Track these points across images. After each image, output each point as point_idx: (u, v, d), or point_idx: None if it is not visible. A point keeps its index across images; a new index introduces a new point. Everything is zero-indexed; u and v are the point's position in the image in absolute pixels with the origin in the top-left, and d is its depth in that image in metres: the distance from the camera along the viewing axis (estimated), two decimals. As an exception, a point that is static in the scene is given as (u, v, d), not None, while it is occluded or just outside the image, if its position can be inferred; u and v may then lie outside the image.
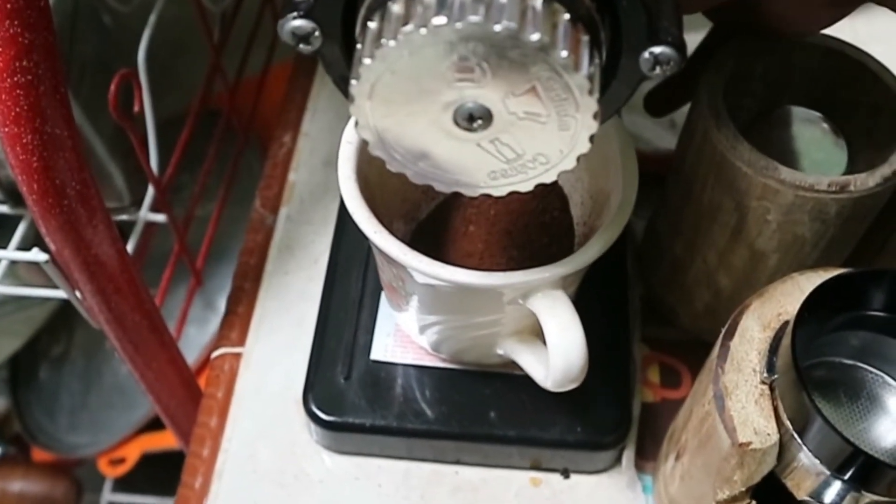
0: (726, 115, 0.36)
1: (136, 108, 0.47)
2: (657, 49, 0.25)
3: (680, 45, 0.25)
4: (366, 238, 0.34)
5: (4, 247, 0.48)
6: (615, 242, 0.40)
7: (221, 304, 0.70)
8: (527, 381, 0.37)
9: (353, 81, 0.24)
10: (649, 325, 0.45)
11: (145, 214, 0.49)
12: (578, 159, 0.25)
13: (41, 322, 0.74)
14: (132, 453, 0.70)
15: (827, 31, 0.49)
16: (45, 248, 0.40)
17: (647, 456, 0.41)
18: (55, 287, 0.45)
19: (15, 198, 0.50)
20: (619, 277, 0.44)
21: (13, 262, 0.50)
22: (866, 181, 0.35)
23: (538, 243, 0.38)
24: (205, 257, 0.57)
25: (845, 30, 0.59)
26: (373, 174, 0.35)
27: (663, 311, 0.45)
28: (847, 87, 0.39)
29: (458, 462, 0.41)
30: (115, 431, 0.71)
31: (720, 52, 0.38)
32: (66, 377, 0.77)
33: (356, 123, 0.25)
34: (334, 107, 0.54)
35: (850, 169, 0.39)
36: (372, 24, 0.23)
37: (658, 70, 0.26)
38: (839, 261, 0.40)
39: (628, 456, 0.41)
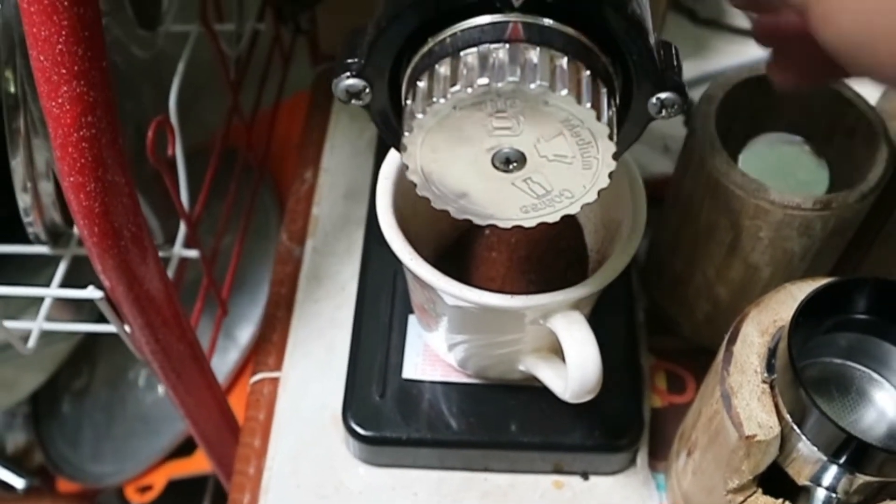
0: (719, 143, 0.40)
1: (170, 152, 0.50)
2: (663, 95, 0.29)
3: (682, 91, 0.29)
4: (401, 265, 0.37)
5: (38, 285, 0.51)
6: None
7: (239, 335, 0.73)
8: (546, 393, 0.41)
9: (406, 133, 0.27)
10: (654, 336, 0.49)
11: (179, 250, 0.53)
12: (599, 193, 0.29)
13: (64, 357, 0.77)
14: (159, 480, 0.73)
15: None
16: (97, 286, 0.44)
17: (658, 456, 0.45)
18: (94, 321, 0.48)
19: (55, 239, 0.54)
20: (625, 294, 0.48)
21: (38, 301, 0.53)
22: (847, 198, 0.39)
23: (555, 268, 0.42)
24: (230, 288, 0.60)
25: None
26: (406, 207, 0.38)
27: (667, 323, 0.49)
28: (825, 112, 0.43)
29: (486, 469, 0.44)
30: (140, 459, 0.74)
31: (710, 87, 0.42)
32: (88, 409, 0.79)
33: (406, 168, 0.29)
34: (350, 143, 0.58)
35: (832, 187, 0.43)
36: (421, 84, 0.27)
37: (664, 112, 0.30)
38: (825, 270, 0.44)
39: (642, 456, 0.44)
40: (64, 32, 0.33)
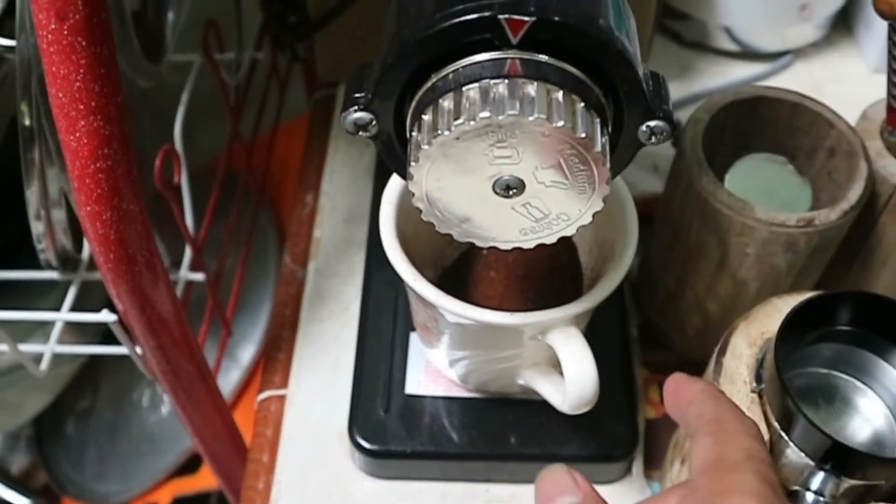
0: (706, 165, 0.42)
1: (176, 180, 0.52)
2: (652, 123, 0.31)
3: (670, 119, 0.31)
4: (404, 285, 0.39)
5: (44, 309, 0.53)
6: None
7: (241, 355, 0.75)
8: (545, 406, 0.43)
9: (413, 163, 0.29)
10: (648, 351, 0.51)
11: (185, 274, 0.54)
12: (594, 216, 0.31)
13: (68, 379, 0.78)
14: (164, 498, 0.74)
15: (787, 82, 0.56)
16: (111, 310, 0.45)
17: (653, 465, 0.47)
18: (99, 343, 0.49)
19: (65, 264, 0.55)
20: (619, 310, 0.50)
21: (44, 324, 0.54)
22: (829, 215, 0.41)
23: (551, 286, 0.44)
24: (233, 309, 0.62)
25: (802, 74, 0.66)
26: (408, 230, 0.40)
27: (659, 338, 0.51)
28: (806, 133, 0.45)
29: (488, 480, 0.46)
30: (145, 478, 0.75)
31: (696, 110, 0.44)
32: (92, 430, 0.81)
33: (412, 195, 0.31)
34: (349, 167, 0.59)
35: (815, 205, 0.45)
36: (426, 117, 0.29)
37: (654, 139, 0.32)
38: (811, 285, 0.46)
39: (637, 466, 0.46)
40: (82, 70, 0.35)
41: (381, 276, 0.50)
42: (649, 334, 0.51)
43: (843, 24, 0.68)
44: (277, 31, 0.68)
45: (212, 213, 0.56)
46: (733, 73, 0.66)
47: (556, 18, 0.28)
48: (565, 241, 0.44)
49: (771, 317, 0.38)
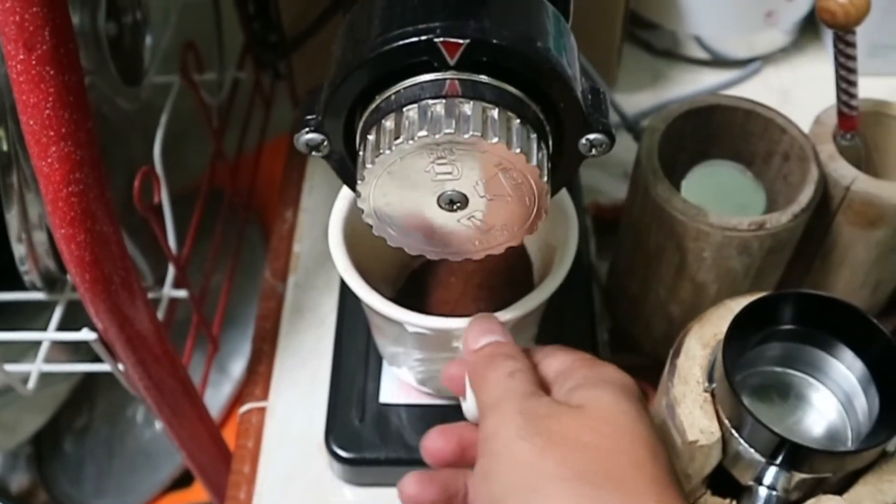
0: (661, 173, 0.43)
1: (156, 200, 0.53)
2: (592, 136, 0.32)
3: (608, 132, 0.32)
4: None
5: (36, 330, 0.54)
6: (582, 283, 0.47)
7: (232, 368, 0.76)
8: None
9: (360, 181, 0.31)
10: (618, 354, 0.52)
11: (168, 291, 0.56)
12: (538, 225, 0.32)
13: (64, 397, 0.79)
14: (159, 512, 0.75)
15: (757, 88, 0.57)
16: (90, 328, 0.47)
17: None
18: (90, 362, 0.51)
19: (50, 285, 0.57)
20: (588, 315, 0.51)
21: (37, 343, 0.56)
22: (780, 218, 0.42)
23: (504, 297, 0.44)
24: (220, 325, 0.63)
25: (772, 79, 0.68)
26: (364, 232, 0.39)
27: (629, 341, 0.52)
28: (761, 139, 0.47)
29: (462, 485, 0.47)
30: (141, 493, 0.77)
31: (653, 120, 0.46)
32: (89, 447, 0.82)
33: (362, 211, 0.32)
34: (328, 183, 0.61)
35: (771, 208, 0.46)
36: (370, 137, 0.30)
37: (594, 151, 0.33)
38: (771, 285, 0.48)
39: (607, 467, 0.47)
40: (51, 99, 0.36)
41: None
42: (620, 338, 0.52)
43: (811, 29, 0.70)
44: (258, 50, 0.69)
45: (195, 232, 0.58)
46: (704, 80, 0.68)
47: (493, 41, 0.30)
48: (521, 256, 0.46)
49: (723, 318, 0.39)
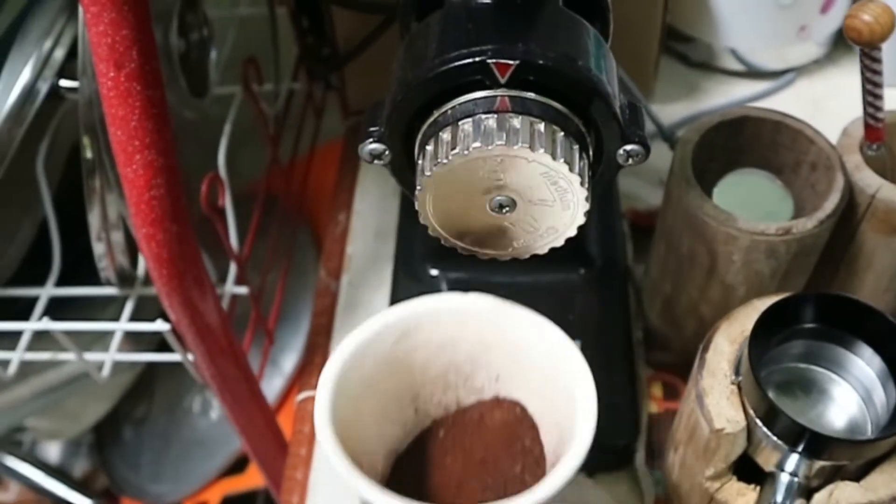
0: (694, 181, 0.46)
1: (220, 203, 0.57)
2: (628, 147, 0.36)
3: (644, 143, 0.36)
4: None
5: (109, 320, 0.59)
6: (619, 285, 0.50)
7: (284, 363, 0.80)
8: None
9: (419, 187, 0.34)
10: (651, 351, 0.55)
11: (231, 288, 0.60)
12: (578, 228, 0.36)
13: (126, 388, 0.84)
14: (214, 497, 0.80)
15: (790, 99, 0.60)
16: (164, 320, 0.51)
17: (655, 455, 0.51)
18: (157, 352, 0.55)
19: (122, 281, 0.61)
20: (624, 316, 0.54)
21: (102, 336, 0.60)
22: (806, 224, 0.45)
23: (511, 472, 0.40)
24: (275, 320, 0.67)
25: (804, 90, 0.70)
26: (349, 414, 0.37)
27: (661, 340, 0.55)
28: (790, 149, 0.49)
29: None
30: (197, 479, 0.81)
31: (686, 131, 0.49)
32: (147, 435, 0.87)
33: (420, 215, 0.36)
34: (379, 187, 0.65)
35: (798, 215, 0.49)
36: (429, 148, 0.34)
37: (631, 161, 0.36)
38: (798, 288, 0.50)
39: (639, 456, 0.50)
40: (137, 112, 0.40)
41: (406, 286, 0.55)
42: (654, 337, 0.55)
43: (843, 42, 0.72)
44: (312, 63, 0.73)
45: (254, 233, 0.62)
46: (739, 92, 0.70)
47: (540, 62, 0.33)
48: (527, 422, 0.41)
49: (750, 317, 0.42)
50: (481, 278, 0.54)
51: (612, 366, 0.51)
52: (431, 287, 0.54)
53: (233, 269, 0.61)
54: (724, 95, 0.70)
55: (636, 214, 0.59)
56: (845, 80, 0.71)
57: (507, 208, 0.35)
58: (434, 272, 0.55)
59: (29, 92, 0.52)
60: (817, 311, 0.40)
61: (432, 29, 0.36)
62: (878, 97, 0.47)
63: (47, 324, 0.53)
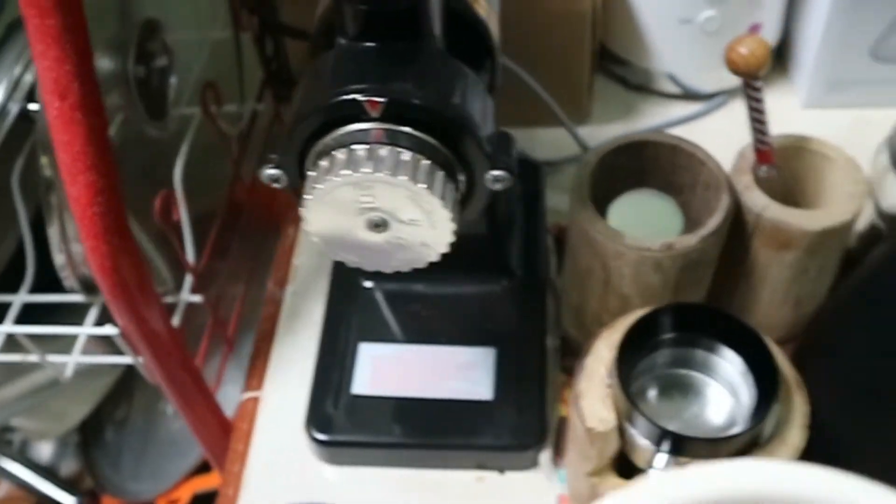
0: (588, 201, 0.50)
1: (175, 218, 0.62)
2: (495, 172, 0.40)
3: (510, 168, 0.40)
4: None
5: (79, 325, 0.63)
6: (538, 296, 0.53)
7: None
8: (469, 403, 0.52)
9: (303, 208, 0.39)
10: (567, 357, 0.59)
11: (186, 296, 0.65)
12: (449, 245, 0.40)
13: (106, 390, 0.89)
14: (185, 494, 0.85)
15: (723, 119, 0.64)
16: (115, 325, 0.56)
17: (562, 455, 0.55)
18: (121, 354, 0.60)
19: (88, 289, 0.66)
20: (539, 324, 0.58)
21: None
22: (690, 240, 0.49)
23: None
24: (235, 328, 0.72)
25: (737, 110, 0.74)
26: None
27: (574, 347, 0.59)
28: (686, 170, 0.53)
29: (423, 466, 0.55)
30: (170, 478, 0.86)
31: (588, 154, 0.53)
32: (127, 436, 0.92)
33: (309, 233, 0.40)
34: (327, 204, 0.69)
35: (690, 231, 0.53)
36: (311, 174, 0.38)
37: (498, 185, 0.40)
38: (699, 297, 0.54)
39: (546, 455, 0.54)
40: (80, 138, 0.45)
41: (339, 297, 0.60)
42: (568, 344, 0.59)
43: (777, 64, 0.76)
44: (276, 85, 0.78)
45: (212, 246, 0.66)
46: (675, 112, 0.74)
47: (407, 99, 0.37)
48: None
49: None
50: (410, 289, 0.58)
51: (525, 372, 0.55)
52: (364, 297, 0.59)
53: (188, 279, 0.66)
54: (661, 116, 0.74)
55: (560, 229, 0.63)
56: (778, 102, 0.74)
57: (382, 227, 0.39)
58: (368, 284, 0.60)
59: (0, 112, 0.58)
60: (682, 319, 0.44)
61: (326, 66, 0.41)
62: (762, 122, 0.51)
63: (11, 328, 0.58)
